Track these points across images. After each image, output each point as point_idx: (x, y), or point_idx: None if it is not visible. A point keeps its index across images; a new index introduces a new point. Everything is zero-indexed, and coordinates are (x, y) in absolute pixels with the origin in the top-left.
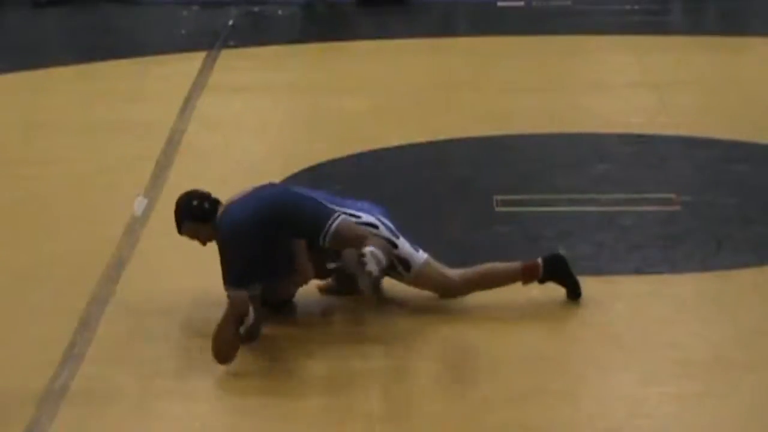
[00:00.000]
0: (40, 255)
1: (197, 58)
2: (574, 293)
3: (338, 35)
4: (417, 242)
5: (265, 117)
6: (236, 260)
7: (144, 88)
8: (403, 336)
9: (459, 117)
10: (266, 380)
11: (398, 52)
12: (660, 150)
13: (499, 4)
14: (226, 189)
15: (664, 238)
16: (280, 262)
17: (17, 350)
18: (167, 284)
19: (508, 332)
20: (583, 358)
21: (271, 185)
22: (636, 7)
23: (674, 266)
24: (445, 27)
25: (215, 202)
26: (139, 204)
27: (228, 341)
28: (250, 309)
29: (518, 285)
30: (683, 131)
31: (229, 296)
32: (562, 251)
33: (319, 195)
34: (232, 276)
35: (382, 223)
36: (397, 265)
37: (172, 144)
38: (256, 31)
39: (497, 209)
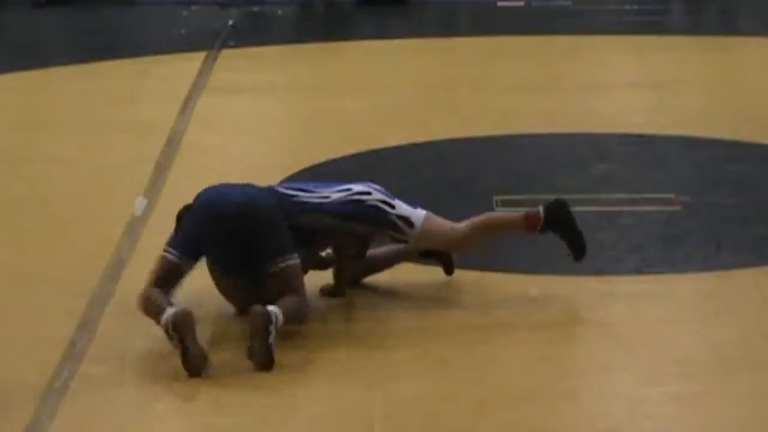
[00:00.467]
0: (40, 254)
1: (197, 58)
2: (575, 250)
3: (338, 35)
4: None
5: (265, 117)
6: (280, 231)
7: (144, 88)
8: (403, 336)
9: (459, 117)
10: (266, 380)
11: (398, 52)
12: (660, 150)
13: (499, 4)
14: None
15: (664, 238)
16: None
17: (17, 350)
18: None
19: (508, 332)
20: (583, 358)
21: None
22: (636, 7)
23: (674, 266)
24: (445, 27)
25: None
26: (139, 204)
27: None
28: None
29: (518, 285)
30: (683, 131)
31: (290, 267)
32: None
33: (307, 184)
34: (287, 244)
35: (375, 189)
36: (399, 224)
37: (172, 144)
38: (256, 31)
39: (497, 209)
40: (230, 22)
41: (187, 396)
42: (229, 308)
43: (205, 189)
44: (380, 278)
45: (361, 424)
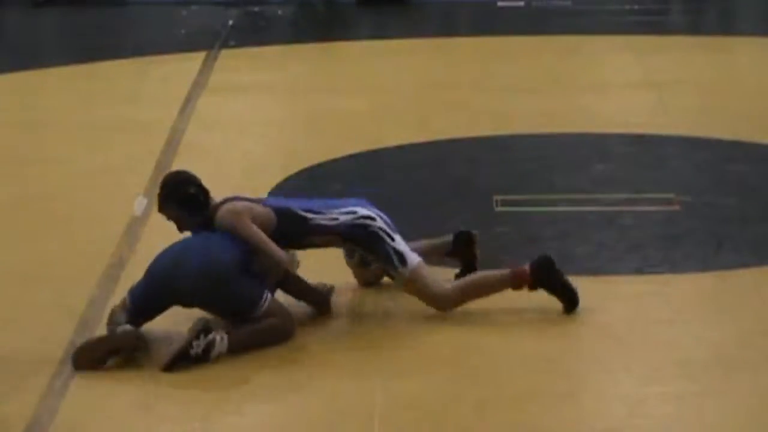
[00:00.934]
0: (40, 254)
1: (197, 58)
2: (566, 302)
3: (338, 35)
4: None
5: (265, 117)
6: (243, 288)
7: (144, 88)
8: (403, 336)
9: (459, 117)
10: (267, 380)
11: (398, 52)
12: (660, 150)
13: (499, 4)
14: (226, 189)
15: (664, 238)
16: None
17: (17, 349)
18: None
19: (508, 332)
20: (583, 358)
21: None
22: (636, 7)
23: (674, 266)
24: (445, 27)
25: (207, 194)
26: (139, 204)
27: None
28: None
29: None
30: (683, 131)
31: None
32: (549, 253)
33: (313, 203)
34: (254, 294)
35: (380, 217)
36: (394, 258)
37: (172, 144)
38: (256, 31)
39: (497, 209)
40: (230, 22)
41: (187, 396)
42: None
43: (161, 254)
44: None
45: (362, 424)
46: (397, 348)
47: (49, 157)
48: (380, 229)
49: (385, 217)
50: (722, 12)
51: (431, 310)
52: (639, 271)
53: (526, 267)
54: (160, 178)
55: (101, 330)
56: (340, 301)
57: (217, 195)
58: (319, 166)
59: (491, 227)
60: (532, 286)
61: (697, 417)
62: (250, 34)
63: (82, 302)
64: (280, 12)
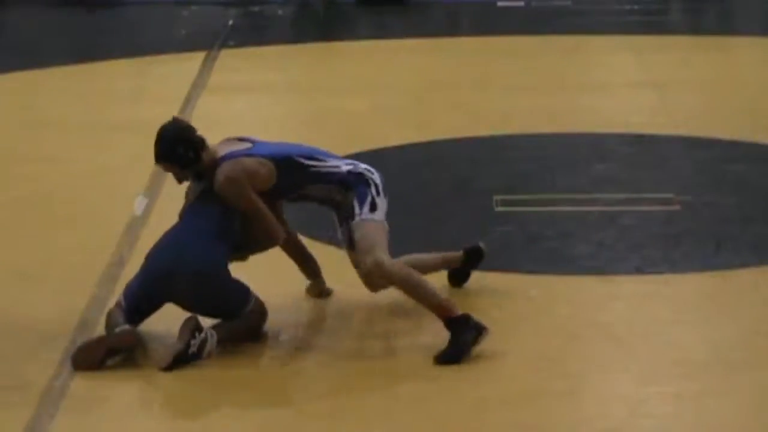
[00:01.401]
0: (41, 254)
1: (197, 58)
2: (446, 358)
3: (338, 35)
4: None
5: (265, 117)
6: (230, 286)
7: (144, 87)
8: (402, 336)
9: (459, 117)
10: (267, 381)
11: (398, 52)
12: (660, 150)
13: (499, 4)
14: None
15: (664, 237)
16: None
17: (18, 349)
18: None
19: (508, 332)
20: (583, 357)
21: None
22: (636, 7)
23: (674, 266)
24: (445, 27)
25: (200, 148)
26: (140, 203)
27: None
28: None
29: (519, 285)
30: (683, 131)
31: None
32: (482, 245)
33: (312, 150)
34: (241, 291)
35: (378, 174)
36: (366, 203)
37: None
38: (256, 31)
39: (497, 209)
40: (230, 22)
41: (188, 396)
42: None
43: (155, 250)
44: None
45: (362, 424)
46: (397, 348)
47: (50, 156)
48: (373, 181)
49: (380, 179)
50: (722, 12)
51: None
52: (639, 270)
53: (455, 312)
54: (160, 178)
55: (101, 330)
56: (341, 299)
57: None
58: None
59: (491, 227)
60: (445, 326)
61: (697, 416)
62: (251, 34)
63: (83, 302)
64: (280, 12)
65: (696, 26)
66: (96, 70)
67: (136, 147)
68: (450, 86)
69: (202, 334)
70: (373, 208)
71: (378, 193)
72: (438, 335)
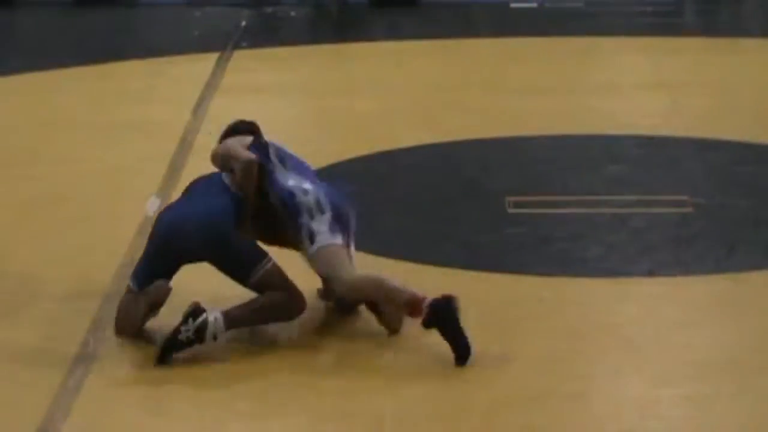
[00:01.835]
0: (53, 254)
1: (210, 59)
2: (457, 352)
3: (350, 36)
4: (426, 244)
5: (277, 118)
6: (242, 246)
7: (157, 88)
8: (411, 337)
9: (471, 118)
10: (277, 381)
11: (410, 54)
12: (672, 152)
13: (512, 5)
14: None
15: (677, 240)
16: None
17: (31, 348)
18: (179, 284)
19: (519, 333)
20: (594, 359)
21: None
22: (648, 8)
23: (686, 268)
24: (458, 28)
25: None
26: (152, 204)
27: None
28: None
29: (530, 287)
30: (696, 133)
31: (266, 272)
32: (455, 297)
33: (294, 160)
34: (253, 254)
35: (315, 194)
36: (303, 233)
37: (184, 144)
38: (269, 32)
39: (509, 211)
40: (243, 23)
41: (198, 396)
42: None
43: (165, 211)
44: None
45: (371, 426)
46: (406, 350)
47: (63, 156)
48: (311, 204)
49: (324, 195)
50: (735, 14)
51: None
52: (651, 272)
53: (427, 301)
54: (173, 178)
55: (113, 329)
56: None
57: None
58: (332, 167)
59: (503, 229)
60: (425, 324)
61: (710, 419)
62: (263, 35)
63: (96, 301)
64: (293, 13)
65: (709, 28)
66: (109, 70)
67: (148, 147)
68: (462, 87)
69: (200, 318)
70: (312, 236)
71: (313, 217)
72: None
